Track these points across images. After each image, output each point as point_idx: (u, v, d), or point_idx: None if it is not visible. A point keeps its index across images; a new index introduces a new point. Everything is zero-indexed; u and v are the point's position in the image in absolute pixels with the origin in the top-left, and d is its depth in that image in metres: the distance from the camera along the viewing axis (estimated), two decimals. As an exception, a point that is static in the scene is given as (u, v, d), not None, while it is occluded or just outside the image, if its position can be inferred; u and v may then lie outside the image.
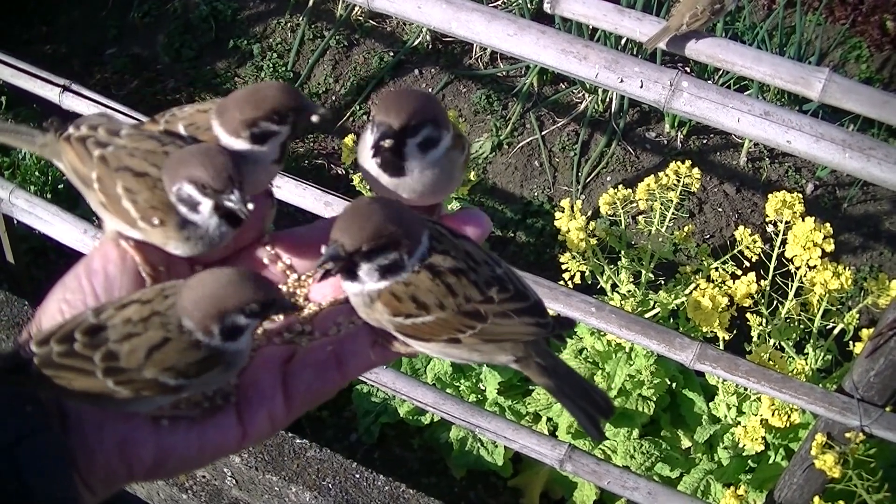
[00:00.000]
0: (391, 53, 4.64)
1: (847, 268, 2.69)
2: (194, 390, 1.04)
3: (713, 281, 2.78)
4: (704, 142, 4.34)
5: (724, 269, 2.85)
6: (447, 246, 1.05)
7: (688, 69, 4.33)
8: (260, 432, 1.10)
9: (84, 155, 1.12)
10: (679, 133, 4.34)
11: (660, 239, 2.93)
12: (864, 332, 2.58)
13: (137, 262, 1.10)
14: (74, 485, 1.00)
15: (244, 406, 1.09)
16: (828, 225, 2.65)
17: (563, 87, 4.46)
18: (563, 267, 2.93)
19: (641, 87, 2.16)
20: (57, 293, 1.10)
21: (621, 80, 2.17)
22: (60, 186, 3.93)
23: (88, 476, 1.03)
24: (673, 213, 2.89)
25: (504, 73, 4.55)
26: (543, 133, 4.38)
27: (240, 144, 1.12)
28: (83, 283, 1.09)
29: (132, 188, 1.08)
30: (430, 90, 4.51)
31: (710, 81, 2.84)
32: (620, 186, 2.96)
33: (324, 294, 1.18)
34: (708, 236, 4.10)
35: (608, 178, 4.26)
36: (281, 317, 1.17)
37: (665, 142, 4.34)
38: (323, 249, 1.03)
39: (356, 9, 4.69)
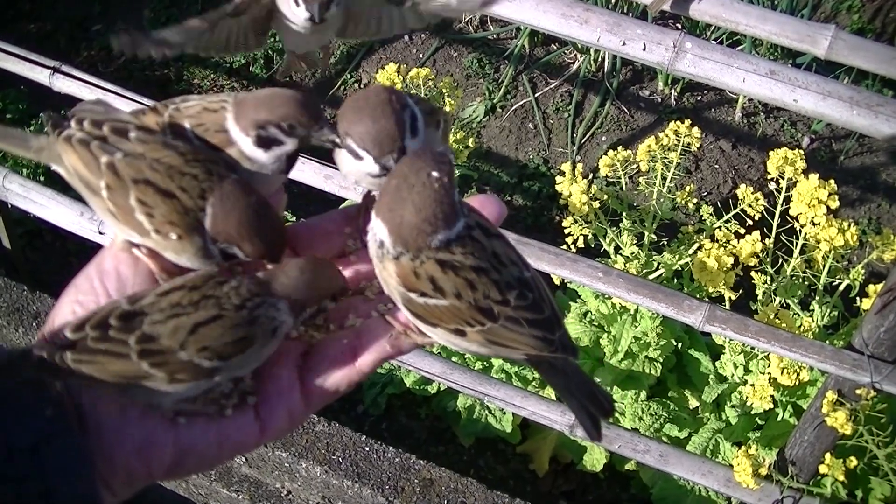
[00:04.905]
0: (380, 20, 4.59)
1: (849, 223, 2.68)
2: (227, 375, 1.04)
3: (717, 241, 2.77)
4: (699, 98, 4.31)
5: (727, 229, 2.83)
6: (473, 248, 1.04)
7: (678, 26, 4.30)
8: (279, 428, 1.10)
9: (90, 160, 1.07)
10: (673, 91, 4.31)
11: (661, 199, 2.91)
12: (871, 288, 2.58)
13: (153, 269, 1.08)
14: (96, 486, 1.00)
15: (262, 402, 1.09)
16: (832, 182, 2.64)
17: (555, 47, 4.43)
18: (566, 231, 2.91)
19: (644, 49, 2.13)
20: (69, 295, 1.08)
21: (624, 44, 2.14)
22: (53, 168, 3.89)
23: (109, 477, 1.02)
24: (673, 174, 2.87)
25: (495, 35, 4.51)
26: (537, 95, 4.35)
27: (245, 144, 1.09)
28: (95, 285, 1.08)
29: (149, 202, 1.04)
30: (420, 56, 4.47)
31: (703, 38, 2.81)
32: (620, 148, 2.94)
33: None
34: (705, 193, 4.09)
35: (603, 139, 4.24)
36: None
37: (659, 100, 4.32)
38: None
39: (342, -25, 4.63)
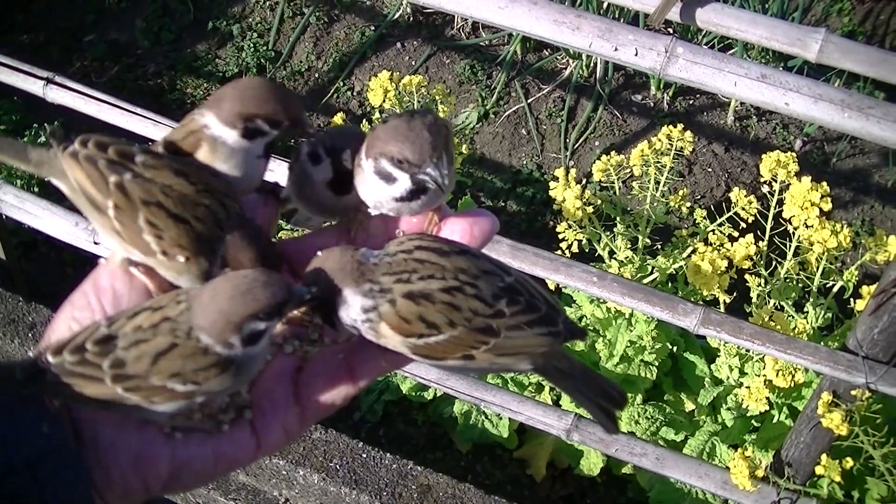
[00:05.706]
0: (372, 28, 4.60)
1: (842, 225, 2.69)
2: (208, 395, 1.03)
3: (711, 244, 2.78)
4: (691, 102, 4.33)
5: (721, 232, 2.84)
6: (431, 270, 1.04)
7: (670, 31, 4.31)
8: (274, 443, 1.10)
9: (97, 178, 1.06)
10: (665, 95, 4.32)
11: (654, 203, 2.92)
12: (865, 290, 2.59)
13: (150, 288, 1.08)
14: (92, 501, 1.00)
15: (258, 417, 1.09)
16: (825, 184, 2.65)
17: (547, 53, 4.44)
18: (561, 236, 2.92)
19: (636, 55, 2.14)
20: (65, 311, 1.08)
21: (615, 49, 2.15)
22: (54, 183, 3.89)
23: (106, 492, 1.02)
24: (666, 178, 2.88)
25: (487, 42, 4.52)
26: (529, 101, 4.36)
27: (230, 136, 1.11)
28: (91, 301, 1.08)
29: (160, 225, 1.05)
30: (413, 63, 4.48)
31: (694, 43, 2.81)
32: (613, 153, 2.95)
33: None
34: (699, 197, 4.10)
35: (596, 143, 4.25)
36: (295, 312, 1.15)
37: (651, 104, 4.33)
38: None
39: (334, -17, 4.64)
